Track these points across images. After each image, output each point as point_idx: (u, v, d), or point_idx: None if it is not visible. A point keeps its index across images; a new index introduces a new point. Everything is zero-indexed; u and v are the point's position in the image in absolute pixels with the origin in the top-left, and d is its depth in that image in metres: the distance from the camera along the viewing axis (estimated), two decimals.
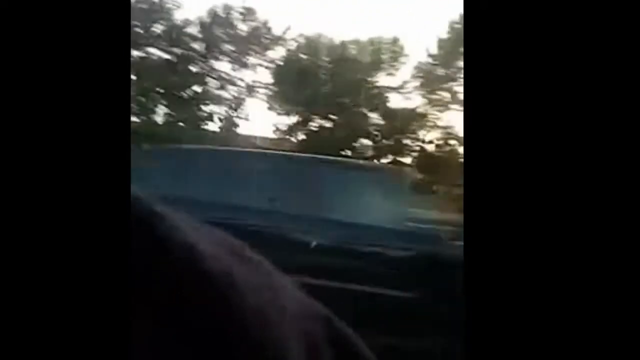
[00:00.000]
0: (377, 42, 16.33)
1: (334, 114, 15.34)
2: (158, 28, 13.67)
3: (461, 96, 17.74)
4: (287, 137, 16.18)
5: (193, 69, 14.28)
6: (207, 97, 14.73)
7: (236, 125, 15.89)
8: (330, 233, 4.11)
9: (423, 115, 15.86)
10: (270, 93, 16.38)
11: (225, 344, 0.28)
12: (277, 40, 16.11)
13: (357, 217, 4.17)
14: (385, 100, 16.07)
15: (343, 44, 16.27)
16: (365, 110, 15.52)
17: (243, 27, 16.39)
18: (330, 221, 4.16)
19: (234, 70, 16.40)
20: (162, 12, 13.71)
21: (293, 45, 16.48)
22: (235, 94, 15.86)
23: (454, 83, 16.96)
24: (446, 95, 16.26)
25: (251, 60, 16.41)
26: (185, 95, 13.64)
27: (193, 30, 14.46)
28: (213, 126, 14.83)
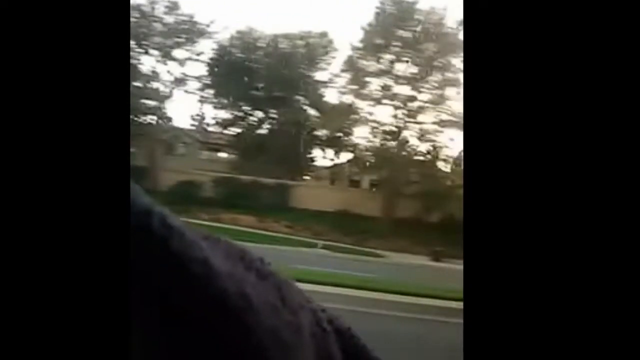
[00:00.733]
0: (306, 37, 16.58)
1: (272, 108, 15.42)
2: None
3: (394, 90, 18.22)
4: (223, 130, 16.11)
5: None
6: (137, 92, 14.40)
7: (169, 119, 15.64)
8: None
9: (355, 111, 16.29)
10: (200, 86, 16.26)
11: None
12: (203, 32, 16.00)
13: None
14: (321, 94, 16.35)
15: (275, 38, 16.33)
16: (304, 105, 15.72)
17: (169, 20, 16.17)
18: None
19: (164, 64, 16.07)
20: None
21: (224, 39, 16.40)
22: (164, 87, 15.62)
23: (385, 76, 17.43)
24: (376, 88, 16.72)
25: (180, 53, 16.18)
26: None
27: None
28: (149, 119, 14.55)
